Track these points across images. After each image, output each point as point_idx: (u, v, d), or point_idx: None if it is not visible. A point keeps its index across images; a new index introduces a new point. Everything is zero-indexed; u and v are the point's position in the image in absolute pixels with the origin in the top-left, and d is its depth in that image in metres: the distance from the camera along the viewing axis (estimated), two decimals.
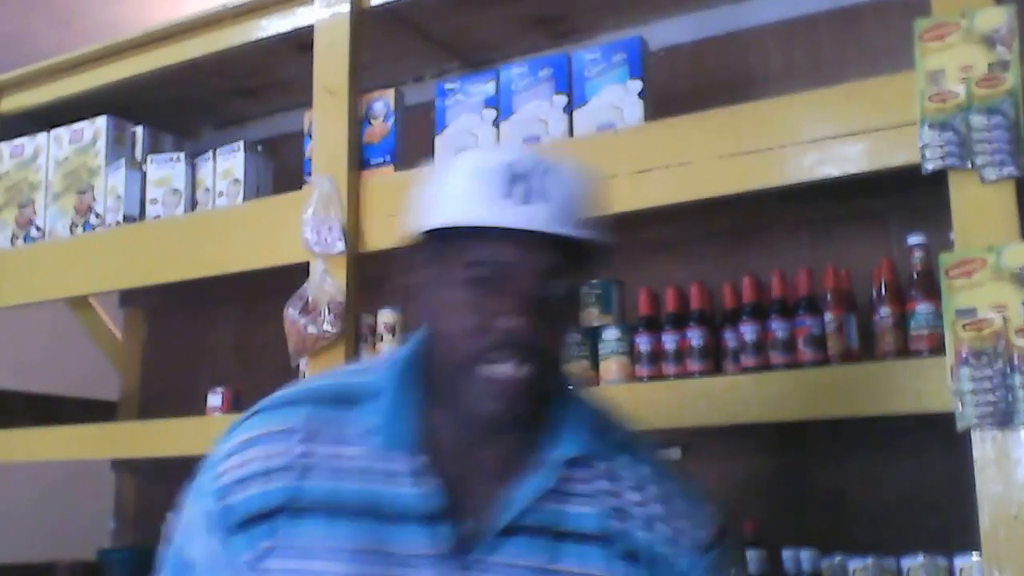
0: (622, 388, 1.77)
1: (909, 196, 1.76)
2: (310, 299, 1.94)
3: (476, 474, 1.04)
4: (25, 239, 2.51)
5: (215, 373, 2.61)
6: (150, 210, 2.34)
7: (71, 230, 2.43)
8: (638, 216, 1.68)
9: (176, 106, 2.64)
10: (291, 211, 2.02)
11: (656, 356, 1.80)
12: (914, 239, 1.65)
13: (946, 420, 1.41)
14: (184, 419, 2.25)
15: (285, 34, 2.20)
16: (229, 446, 1.06)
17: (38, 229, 2.50)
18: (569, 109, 1.87)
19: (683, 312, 1.81)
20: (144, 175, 2.37)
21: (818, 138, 1.59)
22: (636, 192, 1.70)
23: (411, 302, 1.07)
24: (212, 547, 1.04)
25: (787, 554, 1.65)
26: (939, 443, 1.53)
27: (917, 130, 1.49)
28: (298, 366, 1.99)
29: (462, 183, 1.00)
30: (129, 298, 2.92)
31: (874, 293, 1.68)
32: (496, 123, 1.94)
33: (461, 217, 0.98)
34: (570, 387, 1.10)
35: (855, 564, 1.61)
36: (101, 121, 2.45)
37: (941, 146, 1.46)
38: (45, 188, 2.50)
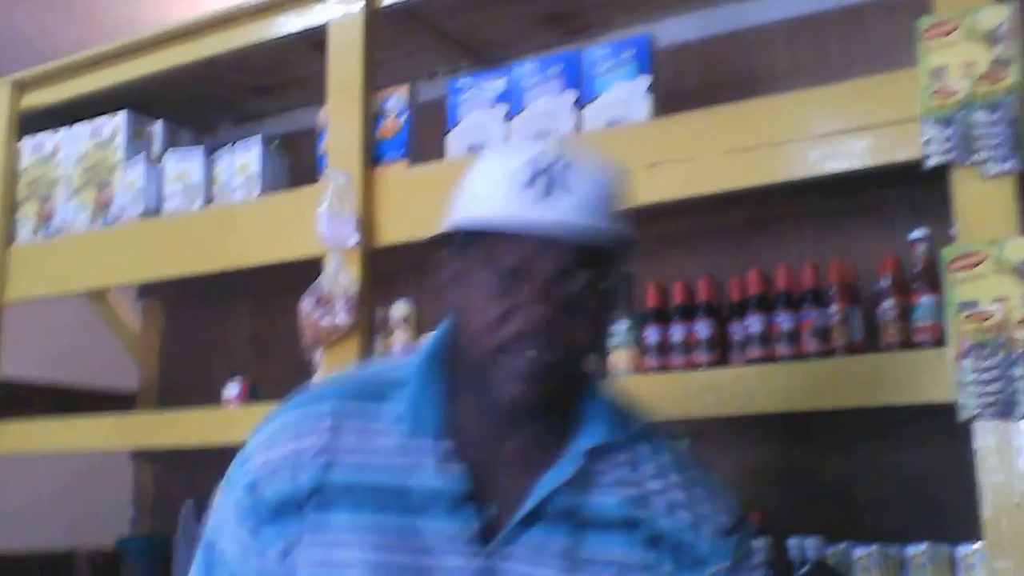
0: (631, 379, 1.79)
1: (912, 191, 1.77)
2: (325, 292, 1.96)
3: (500, 462, 1.06)
4: (46, 233, 2.54)
5: (232, 364, 2.63)
6: (168, 204, 2.36)
7: (91, 224, 2.46)
8: (647, 210, 1.69)
9: (194, 102, 2.66)
10: (306, 205, 2.04)
11: (664, 348, 1.83)
12: (917, 233, 1.67)
13: (948, 410, 1.43)
14: (201, 410, 2.27)
15: (300, 32, 2.21)
16: (260, 440, 1.09)
17: (59, 223, 2.52)
18: (579, 105, 1.89)
19: (690, 304, 1.84)
20: (162, 170, 2.39)
21: (823, 134, 1.60)
22: (645, 187, 1.70)
23: (439, 296, 1.09)
24: (242, 538, 1.06)
25: (792, 542, 1.67)
26: (942, 433, 1.54)
27: (920, 126, 1.50)
28: (313, 358, 2.01)
29: (486, 180, 1.03)
30: (147, 291, 2.93)
31: (880, 285, 1.69)
32: (507, 119, 1.96)
33: (483, 214, 1.01)
34: (594, 381, 1.11)
35: (859, 552, 1.63)
36: (120, 117, 2.47)
37: (943, 141, 1.48)
38: (65, 183, 2.53)
